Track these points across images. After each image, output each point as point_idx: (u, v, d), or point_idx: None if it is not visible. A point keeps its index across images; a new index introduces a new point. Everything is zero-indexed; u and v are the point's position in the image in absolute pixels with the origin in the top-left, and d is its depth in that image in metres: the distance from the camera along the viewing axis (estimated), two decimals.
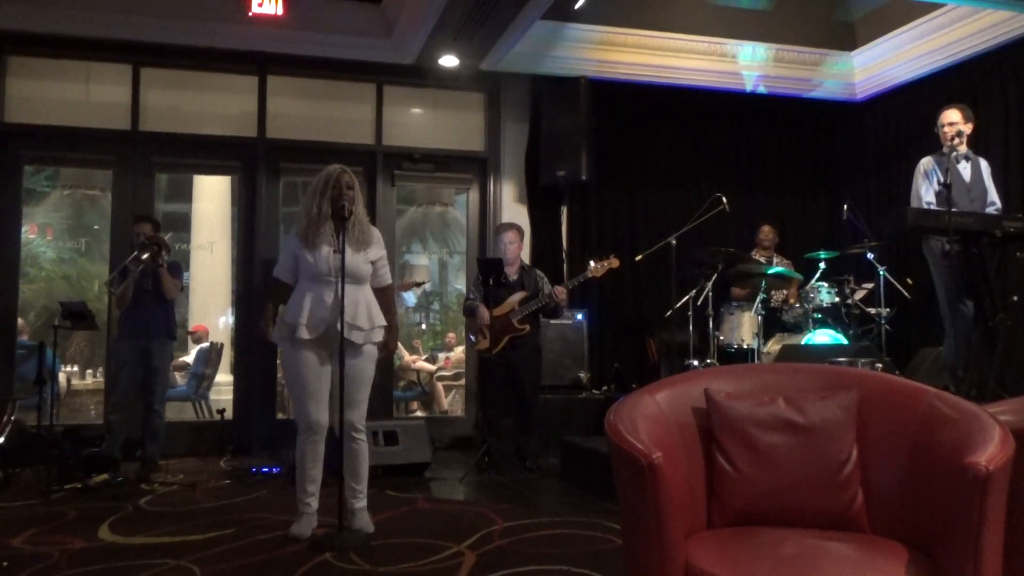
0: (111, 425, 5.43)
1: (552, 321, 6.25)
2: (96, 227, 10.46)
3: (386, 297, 4.02)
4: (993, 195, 5.10)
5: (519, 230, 5.92)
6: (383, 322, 3.91)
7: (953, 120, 5.05)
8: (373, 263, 3.90)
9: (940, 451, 2.09)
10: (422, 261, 12.60)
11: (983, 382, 4.67)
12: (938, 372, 5.23)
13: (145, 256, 5.29)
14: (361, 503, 3.87)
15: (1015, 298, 4.89)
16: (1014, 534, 2.02)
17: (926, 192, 5.02)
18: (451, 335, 10.65)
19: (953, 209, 4.57)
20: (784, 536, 2.14)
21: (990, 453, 1.88)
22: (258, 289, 6.72)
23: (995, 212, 5.02)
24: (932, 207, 4.91)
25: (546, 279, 5.86)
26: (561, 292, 5.66)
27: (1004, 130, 6.26)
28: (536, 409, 5.80)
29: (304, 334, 3.75)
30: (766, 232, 7.00)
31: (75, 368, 10.05)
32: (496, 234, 6.07)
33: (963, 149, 5.06)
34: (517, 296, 5.70)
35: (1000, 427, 2.00)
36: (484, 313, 5.60)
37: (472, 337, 5.89)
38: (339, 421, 3.73)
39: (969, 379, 4.74)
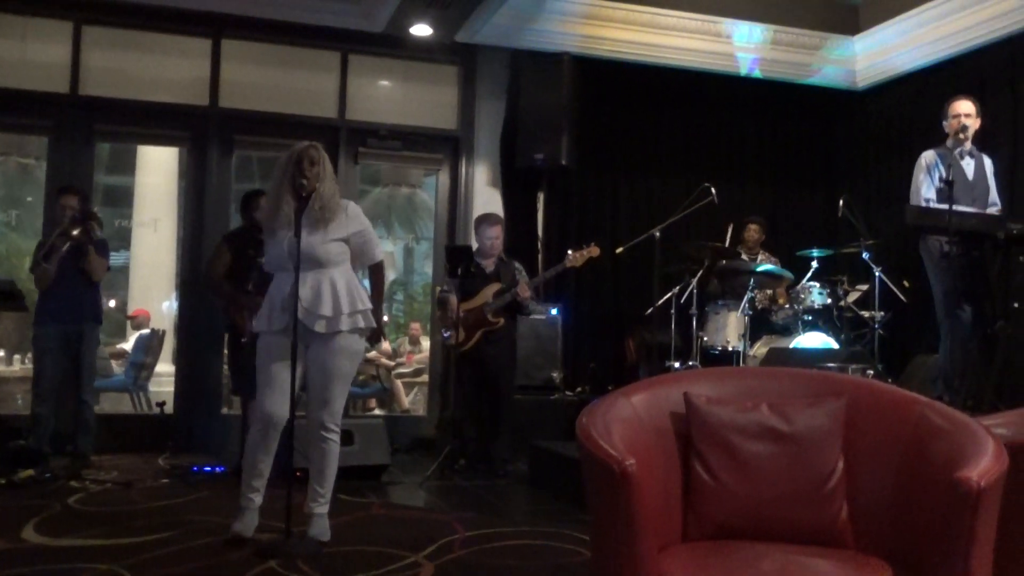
0: (37, 417, 5.35)
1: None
2: (29, 199, 10.33)
3: (375, 279, 4.01)
4: (995, 195, 5.17)
5: (503, 224, 5.89)
6: (365, 305, 3.83)
7: (967, 111, 5.07)
8: (346, 240, 3.82)
9: (930, 464, 2.13)
10: (387, 247, 12.57)
11: (979, 393, 4.75)
12: (933, 381, 5.30)
13: (76, 232, 5.21)
14: (322, 508, 3.84)
15: (1016, 304, 4.97)
16: (1006, 552, 2.06)
17: (927, 188, 5.07)
18: (415, 325, 10.59)
19: (955, 207, 4.63)
20: (764, 551, 2.16)
21: (982, 468, 1.92)
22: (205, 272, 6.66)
23: (996, 212, 5.09)
24: (932, 204, 4.97)
25: (524, 272, 5.86)
26: (524, 290, 5.65)
27: (1013, 125, 6.30)
28: (509, 409, 5.81)
29: (263, 325, 3.81)
30: (752, 231, 6.98)
31: (1, 353, 9.92)
32: (478, 224, 5.94)
33: (968, 145, 5.12)
34: (491, 288, 5.70)
35: (994, 441, 2.04)
36: (455, 305, 5.59)
37: (445, 332, 5.88)
38: (307, 415, 3.72)
39: (965, 389, 4.80)
